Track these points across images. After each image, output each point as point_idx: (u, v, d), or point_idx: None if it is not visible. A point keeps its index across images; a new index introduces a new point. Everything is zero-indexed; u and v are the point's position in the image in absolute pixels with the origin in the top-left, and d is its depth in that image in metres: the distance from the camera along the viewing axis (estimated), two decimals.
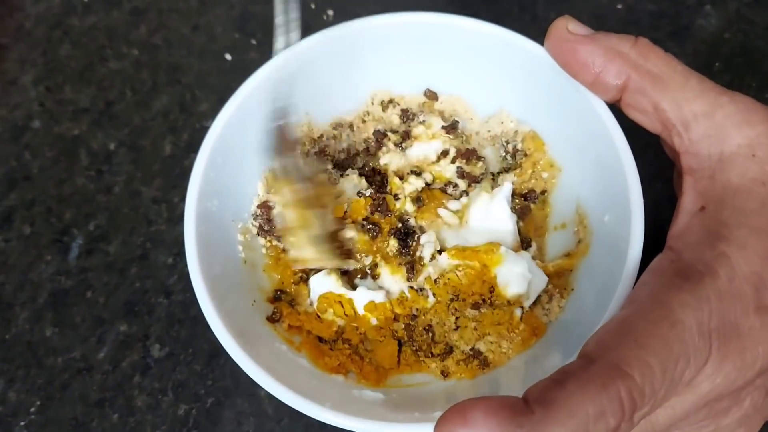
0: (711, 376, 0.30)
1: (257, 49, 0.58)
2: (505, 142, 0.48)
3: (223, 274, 0.41)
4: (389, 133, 0.49)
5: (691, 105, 0.35)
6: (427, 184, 0.47)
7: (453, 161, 0.48)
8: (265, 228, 0.45)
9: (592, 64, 0.37)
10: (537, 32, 0.42)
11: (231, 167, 0.43)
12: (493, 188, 0.46)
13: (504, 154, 0.48)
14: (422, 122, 0.49)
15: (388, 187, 0.46)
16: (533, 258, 0.44)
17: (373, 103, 0.49)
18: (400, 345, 0.43)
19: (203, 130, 0.42)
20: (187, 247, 0.39)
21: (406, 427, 0.34)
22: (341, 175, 0.47)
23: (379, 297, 0.42)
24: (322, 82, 0.47)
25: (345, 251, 0.44)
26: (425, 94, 0.49)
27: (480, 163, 0.48)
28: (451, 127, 0.48)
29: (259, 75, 0.43)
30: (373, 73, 0.48)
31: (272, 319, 0.42)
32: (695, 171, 0.35)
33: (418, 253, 0.44)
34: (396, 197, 0.46)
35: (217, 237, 0.42)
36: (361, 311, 0.42)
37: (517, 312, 0.42)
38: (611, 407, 0.26)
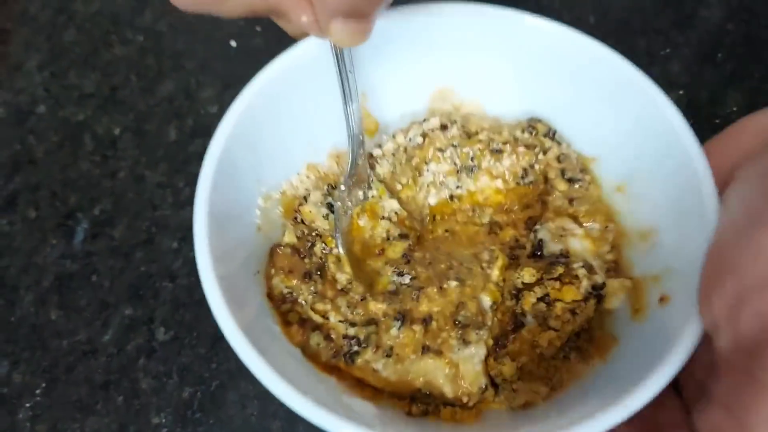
0: None
1: (262, 35, 0.58)
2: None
3: (231, 237, 0.39)
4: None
5: None
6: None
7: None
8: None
9: None
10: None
11: (273, 126, 0.41)
12: None
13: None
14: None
15: None
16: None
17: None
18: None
19: (207, 116, 0.42)
20: (198, 199, 0.37)
21: None
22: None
23: None
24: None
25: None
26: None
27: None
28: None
29: (304, 46, 0.42)
30: (401, 67, 0.46)
31: (272, 297, 0.41)
32: None
33: None
34: None
35: (233, 194, 0.39)
36: None
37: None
38: None
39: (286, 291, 0.42)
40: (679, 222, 0.37)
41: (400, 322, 0.40)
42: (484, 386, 0.38)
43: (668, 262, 0.37)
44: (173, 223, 0.51)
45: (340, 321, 0.41)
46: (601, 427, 0.30)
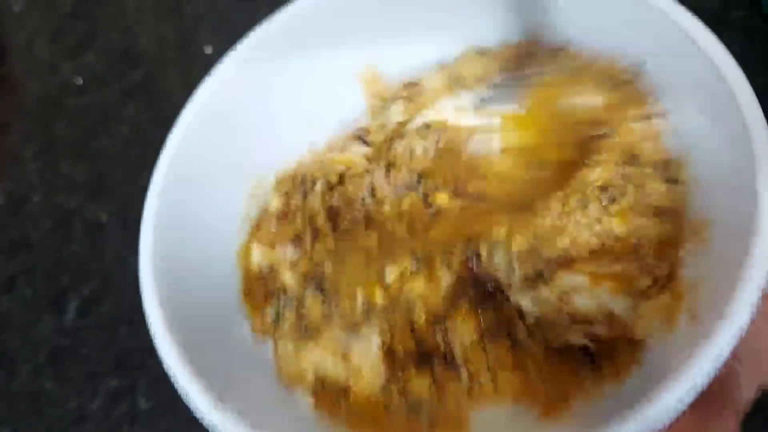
0: None
1: None
2: None
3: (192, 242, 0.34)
4: None
5: None
6: None
7: None
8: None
9: None
10: None
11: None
12: None
13: None
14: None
15: None
16: None
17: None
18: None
19: None
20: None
21: None
22: None
23: None
24: None
25: None
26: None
27: None
28: None
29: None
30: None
31: (248, 293, 0.34)
32: None
33: None
34: None
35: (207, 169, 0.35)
36: None
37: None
38: None
39: (265, 268, 0.36)
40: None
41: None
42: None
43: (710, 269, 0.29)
44: None
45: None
46: None
